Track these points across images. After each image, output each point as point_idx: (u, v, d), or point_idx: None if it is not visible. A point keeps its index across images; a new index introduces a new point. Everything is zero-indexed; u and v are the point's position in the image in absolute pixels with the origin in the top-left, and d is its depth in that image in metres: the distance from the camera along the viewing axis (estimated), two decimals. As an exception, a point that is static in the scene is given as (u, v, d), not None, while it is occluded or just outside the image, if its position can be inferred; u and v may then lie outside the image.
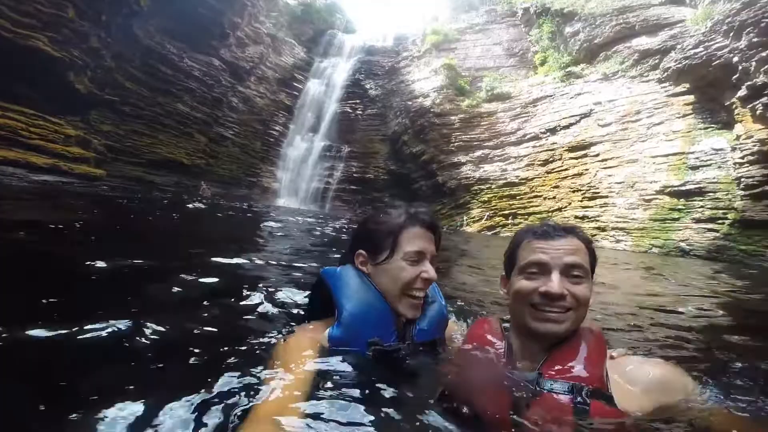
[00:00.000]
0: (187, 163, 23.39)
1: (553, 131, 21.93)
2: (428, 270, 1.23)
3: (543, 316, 1.05)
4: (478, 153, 24.33)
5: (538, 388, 0.97)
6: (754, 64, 12.17)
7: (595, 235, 17.63)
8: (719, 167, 13.99)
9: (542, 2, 24.15)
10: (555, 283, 1.03)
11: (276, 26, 29.42)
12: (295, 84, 30.01)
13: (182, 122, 23.28)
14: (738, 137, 13.03)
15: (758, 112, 12.03)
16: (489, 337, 1.19)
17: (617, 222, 17.02)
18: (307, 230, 7.74)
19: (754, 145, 12.02)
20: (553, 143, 21.63)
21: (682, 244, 13.41)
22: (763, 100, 11.80)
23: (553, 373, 1.00)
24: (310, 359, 1.05)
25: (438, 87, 26.34)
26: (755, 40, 12.07)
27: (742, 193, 12.38)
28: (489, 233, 21.74)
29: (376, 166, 28.87)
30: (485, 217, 22.37)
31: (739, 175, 12.52)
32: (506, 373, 1.05)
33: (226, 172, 25.96)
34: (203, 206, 11.35)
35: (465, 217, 23.36)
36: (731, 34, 13.07)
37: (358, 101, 30.13)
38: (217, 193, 24.26)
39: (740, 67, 12.81)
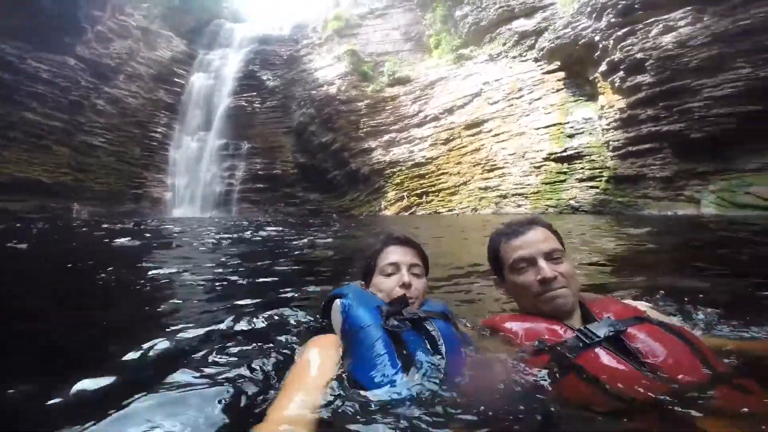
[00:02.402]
0: (47, 182, 19.20)
1: (450, 111, 23.56)
2: (404, 276, 1.29)
3: (550, 297, 1.18)
4: (386, 137, 24.92)
5: (614, 328, 1.08)
6: (611, 42, 14.29)
7: (499, 202, 19.79)
8: (590, 134, 16.64)
9: None
10: (545, 269, 1.18)
11: (148, 18, 25.74)
12: (176, 80, 26.61)
13: (33, 133, 19.06)
14: (602, 107, 15.50)
15: (617, 84, 14.29)
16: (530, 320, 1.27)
17: (515, 188, 19.30)
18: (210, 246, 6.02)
19: (616, 114, 14.36)
20: (452, 122, 23.27)
21: (572, 202, 15.72)
22: (620, 74, 14.02)
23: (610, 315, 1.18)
24: (331, 358, 1.07)
25: (342, 74, 25.98)
26: (613, 20, 14.13)
27: (611, 154, 14.79)
28: (406, 213, 22.74)
29: (284, 161, 27.43)
30: (404, 199, 23.28)
31: (607, 139, 15.03)
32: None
33: (103, 187, 21.98)
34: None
35: (383, 202, 23.98)
36: (594, 15, 15.09)
37: (254, 93, 27.98)
38: (96, 212, 20.42)
39: (601, 45, 14.94)
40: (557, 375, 1.00)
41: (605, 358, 1.02)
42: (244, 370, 1.17)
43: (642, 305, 1.34)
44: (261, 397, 1.03)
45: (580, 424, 0.93)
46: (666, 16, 12.50)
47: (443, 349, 1.04)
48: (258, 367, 1.19)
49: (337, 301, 1.22)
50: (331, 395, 0.93)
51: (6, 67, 17.79)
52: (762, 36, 10.61)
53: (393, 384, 0.95)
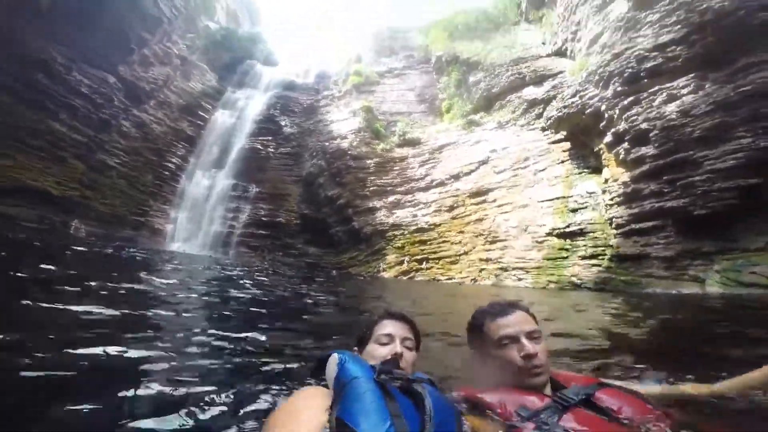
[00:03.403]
0: (55, 194, 19.57)
1: (456, 177, 23.22)
2: (396, 346, 1.43)
3: (532, 372, 1.32)
4: (392, 198, 24.59)
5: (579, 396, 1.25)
6: (617, 111, 13.74)
7: (499, 274, 18.32)
8: (593, 209, 15.48)
9: (453, 51, 26.52)
10: (529, 346, 1.34)
11: (190, 49, 27.44)
12: (201, 113, 27.78)
13: (55, 144, 19.81)
14: (606, 181, 14.59)
15: (621, 156, 13.52)
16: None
17: (517, 262, 17.90)
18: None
19: (620, 188, 13.42)
20: (457, 189, 22.79)
21: (574, 279, 14.26)
22: (625, 145, 13.31)
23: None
24: (319, 405, 1.11)
25: (356, 129, 26.48)
26: (619, 89, 13.70)
27: (615, 231, 13.63)
28: (404, 278, 21.51)
29: (288, 210, 27.35)
30: (403, 263, 22.23)
31: (610, 215, 13.87)
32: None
33: (106, 209, 22.23)
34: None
35: (382, 264, 22.90)
36: (601, 84, 14.69)
37: (270, 138, 28.75)
38: (94, 233, 20.33)
39: (606, 115, 14.40)
40: None
41: (584, 416, 1.17)
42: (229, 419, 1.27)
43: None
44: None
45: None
46: (670, 84, 12.07)
47: (431, 407, 1.05)
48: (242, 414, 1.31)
49: (335, 355, 1.28)
50: None
51: (52, 75, 18.78)
52: (761, 103, 10.00)
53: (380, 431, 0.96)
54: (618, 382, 1.47)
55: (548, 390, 1.34)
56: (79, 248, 9.11)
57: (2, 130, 17.48)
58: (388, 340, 1.45)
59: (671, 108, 11.73)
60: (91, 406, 1.36)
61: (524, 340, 1.34)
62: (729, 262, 9.54)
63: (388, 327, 1.49)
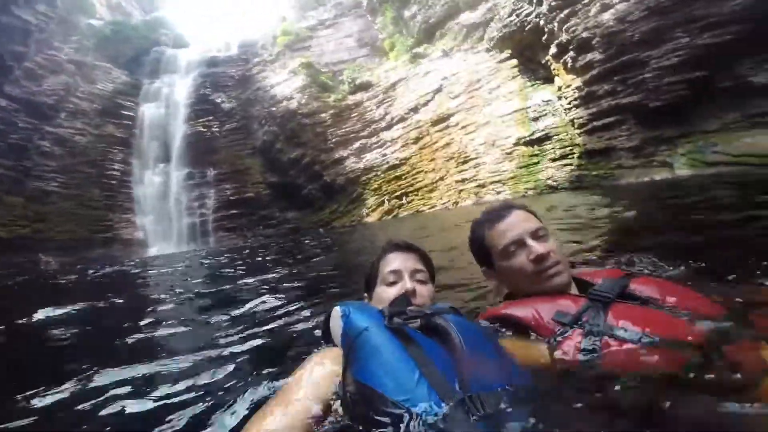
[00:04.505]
0: (5, 236, 17.86)
1: (415, 110, 23.83)
2: (406, 283, 1.24)
3: (547, 275, 1.18)
4: (357, 144, 24.86)
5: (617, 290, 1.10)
6: (556, 24, 14.85)
7: (478, 192, 20.18)
8: (553, 114, 17.32)
9: None
10: (537, 246, 1.19)
11: (80, 51, 24.49)
12: (124, 112, 25.24)
13: None
14: (560, 88, 16.14)
15: (569, 65, 14.91)
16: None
17: (492, 176, 19.75)
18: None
19: (574, 92, 14.96)
20: (419, 121, 23.55)
21: (550, 182, 16.27)
22: (571, 54, 14.61)
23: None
24: (327, 371, 0.97)
25: (300, 87, 25.69)
26: (553, 3, 14.67)
27: (578, 131, 15.34)
28: (390, 217, 22.74)
29: (254, 183, 26.66)
30: (384, 203, 23.25)
31: (571, 117, 15.62)
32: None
33: (64, 236, 20.52)
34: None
35: (364, 209, 23.85)
36: (535, 1, 15.59)
37: (211, 118, 27.06)
38: (66, 262, 19.00)
39: (546, 29, 15.48)
40: (596, 344, 0.94)
41: (631, 309, 1.03)
42: (239, 385, 1.20)
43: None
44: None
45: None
46: None
47: (460, 340, 0.93)
48: (251, 386, 1.19)
49: (337, 308, 1.12)
50: (324, 409, 0.86)
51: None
52: (692, 6, 11.37)
53: (407, 387, 0.80)
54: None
55: (574, 291, 1.21)
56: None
57: None
58: (396, 277, 1.26)
59: (607, 16, 13.00)
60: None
61: (530, 241, 1.20)
62: (692, 144, 11.06)
63: (393, 262, 1.30)
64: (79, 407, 1.36)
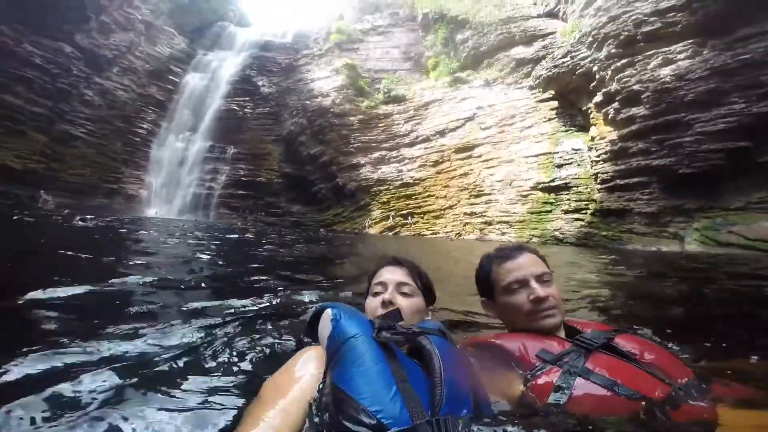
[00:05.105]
0: (17, 168, 18.52)
1: (442, 134, 23.32)
2: (386, 294, 1.26)
3: (542, 316, 1.25)
4: (376, 154, 24.53)
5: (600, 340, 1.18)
6: (609, 72, 14.15)
7: (483, 228, 19.23)
8: (579, 165, 16.31)
9: (440, 9, 25.60)
10: (539, 289, 1.26)
11: (154, 13, 25.64)
12: (171, 77, 26.27)
13: (11, 118, 18.66)
14: (593, 138, 15.23)
15: (610, 116, 14.05)
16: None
17: (501, 216, 18.78)
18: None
19: (607, 145, 14.09)
20: (443, 145, 23.00)
21: (557, 233, 15.22)
22: (615, 105, 13.82)
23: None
24: (311, 372, 0.99)
25: (338, 87, 25.79)
26: (613, 51, 14.00)
27: (599, 186, 14.39)
28: (390, 233, 22.07)
29: (269, 169, 26.77)
30: (389, 218, 22.69)
31: (596, 171, 14.66)
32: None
33: (76, 179, 21.16)
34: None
35: (368, 220, 23.31)
36: (594, 46, 14.94)
37: (247, 98, 27.58)
38: (64, 204, 19.38)
39: (598, 76, 14.77)
40: (569, 383, 1.03)
41: (610, 359, 1.11)
42: (218, 382, 1.15)
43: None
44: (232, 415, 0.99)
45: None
46: (666, 49, 12.41)
47: (440, 366, 0.94)
48: (231, 385, 1.16)
49: (329, 310, 1.13)
50: (305, 412, 0.88)
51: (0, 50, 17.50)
52: (760, 71, 10.54)
53: (382, 400, 0.84)
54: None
55: (563, 335, 1.26)
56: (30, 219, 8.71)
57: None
58: (381, 288, 1.29)
59: (666, 72, 12.19)
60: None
61: (534, 283, 1.26)
62: (709, 219, 10.26)
63: (382, 275, 1.33)
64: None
